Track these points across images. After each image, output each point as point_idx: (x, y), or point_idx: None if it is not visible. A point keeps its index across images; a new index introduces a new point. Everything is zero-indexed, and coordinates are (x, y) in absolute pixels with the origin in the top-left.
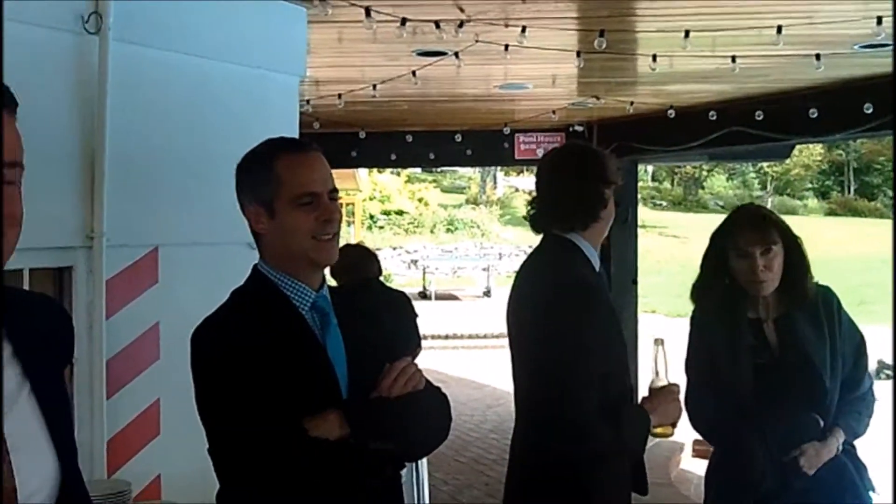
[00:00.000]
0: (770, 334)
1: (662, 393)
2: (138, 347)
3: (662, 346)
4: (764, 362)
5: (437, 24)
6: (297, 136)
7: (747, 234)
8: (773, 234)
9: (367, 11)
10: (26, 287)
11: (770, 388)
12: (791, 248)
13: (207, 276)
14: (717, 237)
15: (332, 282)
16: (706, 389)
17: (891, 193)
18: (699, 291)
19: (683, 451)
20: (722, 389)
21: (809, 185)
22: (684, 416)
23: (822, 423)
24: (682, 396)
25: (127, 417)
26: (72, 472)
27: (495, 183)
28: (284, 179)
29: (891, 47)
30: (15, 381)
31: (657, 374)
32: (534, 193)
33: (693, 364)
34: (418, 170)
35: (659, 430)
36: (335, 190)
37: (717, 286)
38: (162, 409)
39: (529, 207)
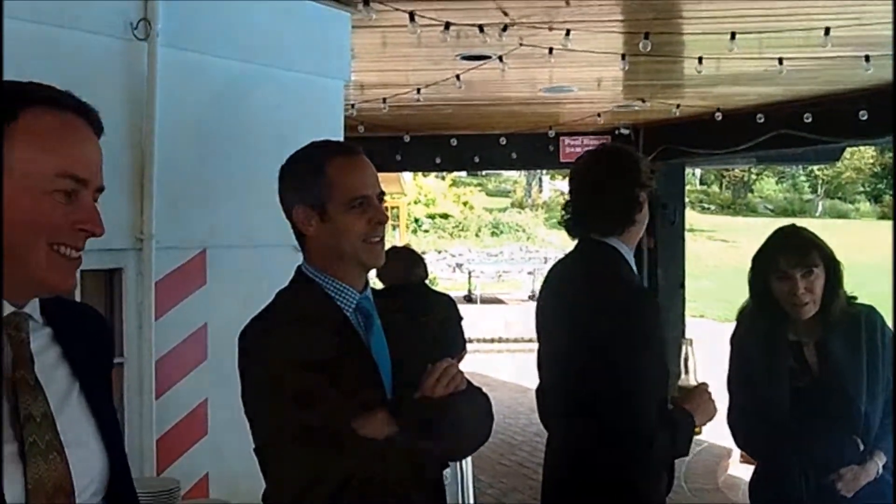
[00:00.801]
0: (810, 357)
1: (697, 392)
2: (186, 348)
3: (691, 345)
4: (803, 385)
5: (480, 28)
6: (342, 139)
7: (788, 256)
8: (814, 256)
9: (412, 16)
10: (78, 288)
11: (809, 410)
12: (831, 270)
13: (253, 278)
14: (758, 259)
15: (378, 284)
16: (747, 409)
17: None
18: (741, 312)
19: (731, 456)
20: (761, 411)
21: (861, 189)
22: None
23: (861, 445)
24: (713, 395)
25: (175, 417)
26: (120, 469)
27: (541, 186)
28: (337, 182)
29: None
30: (66, 382)
31: (686, 372)
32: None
33: (734, 383)
34: (463, 173)
35: (696, 429)
36: (383, 193)
37: (759, 308)
38: (209, 408)
39: (564, 212)
